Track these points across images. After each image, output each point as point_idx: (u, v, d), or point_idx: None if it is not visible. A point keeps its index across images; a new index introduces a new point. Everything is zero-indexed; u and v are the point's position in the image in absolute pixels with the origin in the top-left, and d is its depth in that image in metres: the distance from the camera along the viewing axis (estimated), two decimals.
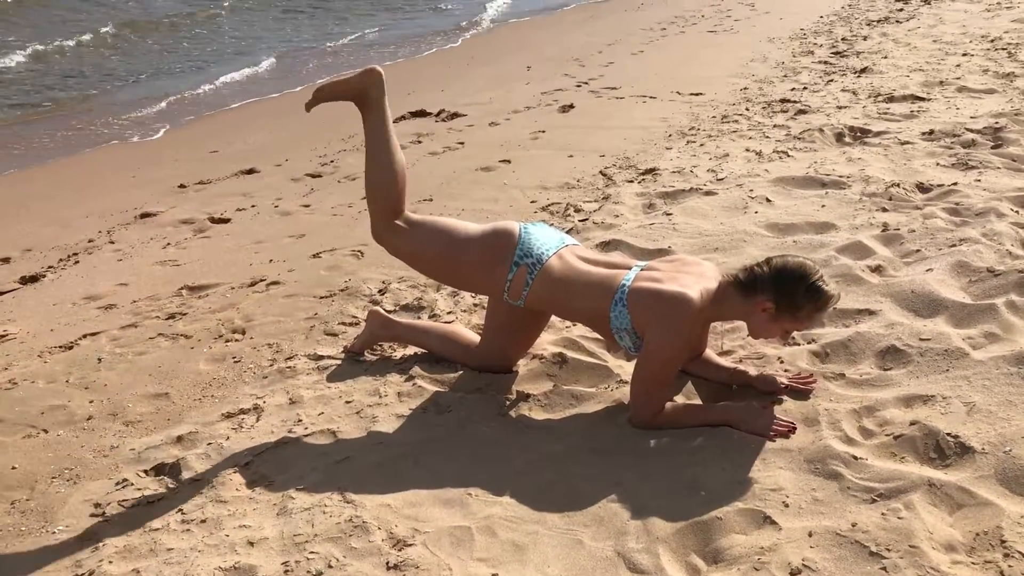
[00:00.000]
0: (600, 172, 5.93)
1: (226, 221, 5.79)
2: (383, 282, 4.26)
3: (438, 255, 3.12)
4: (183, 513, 2.59)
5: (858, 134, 6.00)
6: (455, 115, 8.20)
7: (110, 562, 2.40)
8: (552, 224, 4.84)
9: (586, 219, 4.86)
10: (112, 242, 5.59)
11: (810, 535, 2.23)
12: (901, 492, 2.34)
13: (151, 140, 8.52)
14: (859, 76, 7.89)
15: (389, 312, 3.77)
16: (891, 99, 6.88)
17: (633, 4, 15.41)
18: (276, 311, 4.07)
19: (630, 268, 3.00)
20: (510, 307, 3.16)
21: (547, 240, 3.09)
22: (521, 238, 3.06)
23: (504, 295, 3.07)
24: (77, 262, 5.27)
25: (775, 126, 6.49)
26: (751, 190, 4.93)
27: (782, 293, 2.72)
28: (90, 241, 5.64)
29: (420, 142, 7.33)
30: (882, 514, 2.26)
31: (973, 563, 2.10)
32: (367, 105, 3.17)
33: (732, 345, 3.34)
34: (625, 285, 2.89)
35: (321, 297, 4.18)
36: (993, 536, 2.16)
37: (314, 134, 8.09)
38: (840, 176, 5.04)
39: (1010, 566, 2.06)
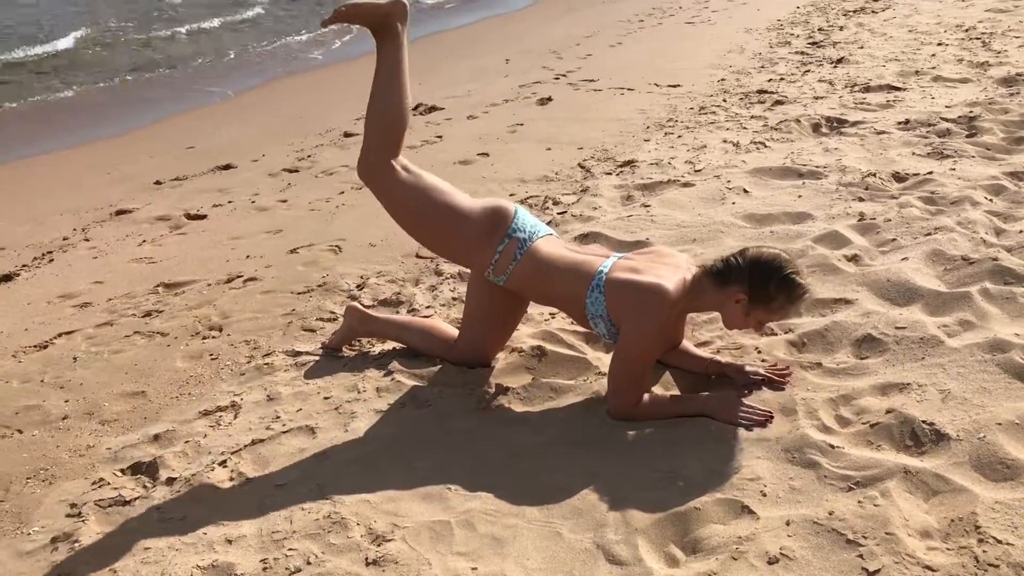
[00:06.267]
0: (578, 164, 5.93)
1: (202, 217, 5.75)
2: (361, 277, 4.24)
3: (431, 215, 3.02)
4: (160, 512, 2.57)
5: (835, 124, 6.03)
6: (433, 108, 8.18)
7: (86, 563, 2.38)
8: None
9: (564, 212, 4.86)
10: (87, 240, 5.53)
11: (788, 524, 2.24)
12: (877, 480, 2.35)
13: (128, 135, 8.44)
14: (836, 66, 7.93)
15: (367, 307, 3.75)
16: (867, 89, 6.92)
17: None
18: (253, 307, 4.04)
19: (608, 256, 3.01)
20: (489, 295, 3.15)
21: (537, 223, 3.12)
22: (517, 214, 3.07)
23: (489, 270, 3.05)
24: (52, 260, 5.22)
25: (752, 117, 6.51)
26: (728, 181, 4.95)
27: (755, 284, 2.73)
28: (65, 239, 5.59)
29: None
30: (858, 502, 2.28)
31: (948, 549, 2.11)
32: (387, 33, 3.01)
33: (709, 336, 3.34)
34: (602, 272, 2.90)
35: (299, 293, 4.16)
36: (968, 522, 2.17)
37: (291, 129, 8.05)
38: (817, 166, 5.06)
39: (984, 551, 2.08)
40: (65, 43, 12.51)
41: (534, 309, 3.58)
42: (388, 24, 3.01)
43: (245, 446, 2.87)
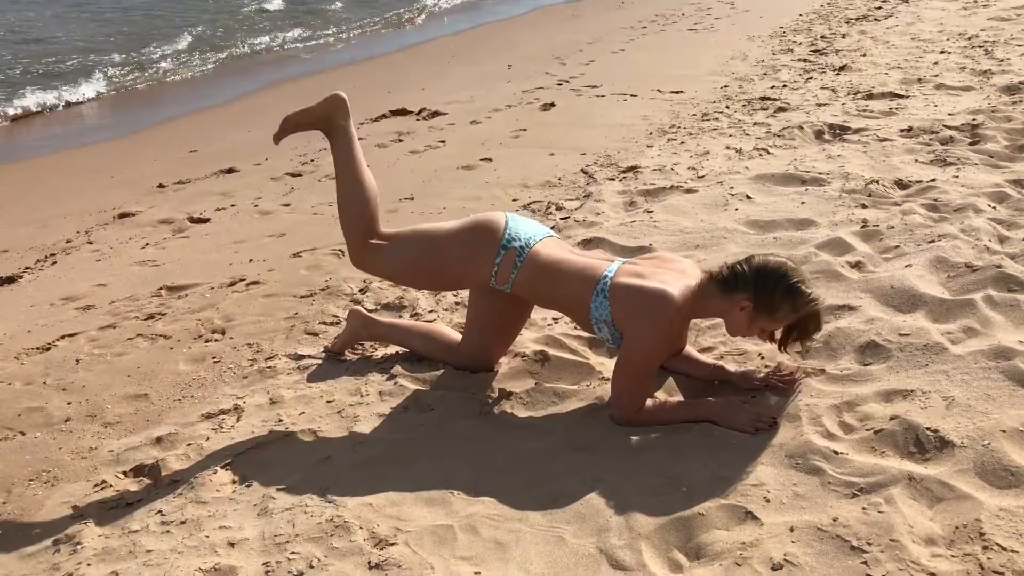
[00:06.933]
0: (581, 170, 5.93)
1: (205, 221, 5.76)
2: (364, 281, 4.24)
3: (420, 260, 3.12)
4: (162, 514, 2.57)
5: (837, 131, 6.03)
6: (436, 113, 8.18)
7: (88, 564, 2.38)
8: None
9: (568, 217, 4.86)
10: (90, 242, 5.54)
11: (791, 530, 2.24)
12: (881, 486, 2.34)
13: (129, 139, 8.45)
14: (838, 74, 7.93)
15: (370, 311, 3.75)
16: (870, 96, 6.92)
17: (614, 2, 15.43)
18: (256, 311, 4.04)
19: (612, 261, 3.01)
20: (492, 301, 3.16)
21: (533, 228, 3.13)
22: (508, 225, 3.07)
23: (491, 281, 3.06)
24: (55, 263, 5.22)
25: (755, 124, 6.51)
26: (732, 187, 4.95)
27: (760, 292, 2.73)
28: (68, 241, 5.60)
29: (401, 140, 7.31)
30: (863, 508, 2.27)
31: (953, 556, 2.11)
32: (333, 131, 3.25)
33: (713, 341, 3.34)
34: (607, 276, 2.90)
35: (301, 296, 4.16)
36: (972, 529, 2.17)
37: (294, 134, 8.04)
38: (820, 173, 5.06)
39: (989, 558, 2.07)
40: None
41: (537, 314, 3.58)
42: (332, 123, 3.24)
43: (247, 449, 2.86)
